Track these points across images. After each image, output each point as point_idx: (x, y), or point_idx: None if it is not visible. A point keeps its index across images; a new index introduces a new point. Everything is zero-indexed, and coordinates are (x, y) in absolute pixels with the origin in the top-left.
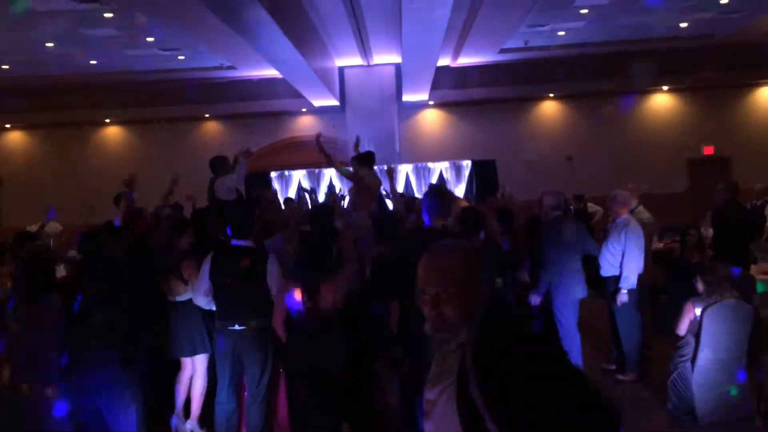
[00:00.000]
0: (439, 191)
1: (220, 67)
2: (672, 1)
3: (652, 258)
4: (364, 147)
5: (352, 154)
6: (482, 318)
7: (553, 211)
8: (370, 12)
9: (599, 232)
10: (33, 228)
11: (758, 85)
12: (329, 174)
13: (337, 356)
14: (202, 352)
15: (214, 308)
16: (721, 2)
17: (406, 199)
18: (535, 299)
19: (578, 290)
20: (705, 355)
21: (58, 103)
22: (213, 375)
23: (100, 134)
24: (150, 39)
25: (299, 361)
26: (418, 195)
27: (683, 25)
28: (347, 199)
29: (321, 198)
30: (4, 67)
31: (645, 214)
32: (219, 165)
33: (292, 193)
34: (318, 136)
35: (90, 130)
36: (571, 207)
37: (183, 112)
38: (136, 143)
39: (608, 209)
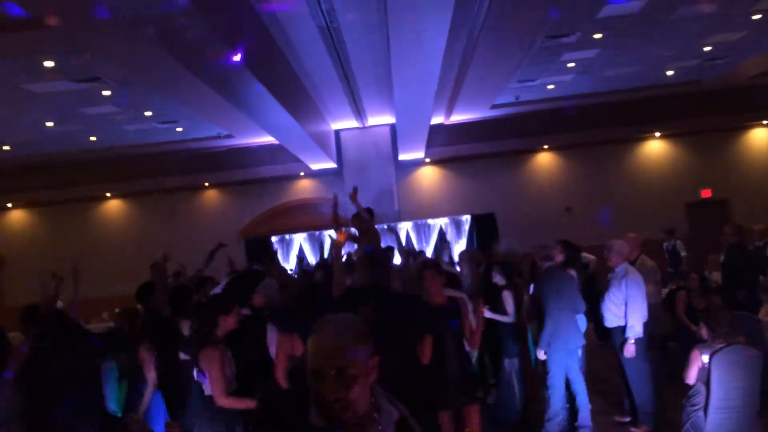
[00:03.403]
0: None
1: (218, 137)
2: (655, 51)
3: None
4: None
5: (352, 210)
6: None
7: (545, 263)
8: (362, 76)
9: (601, 281)
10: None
11: (749, 126)
12: (330, 235)
13: None
14: None
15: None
16: (704, 50)
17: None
18: (541, 354)
19: (574, 339)
20: (716, 404)
21: (59, 181)
22: None
23: (101, 208)
24: (148, 113)
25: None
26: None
27: (669, 73)
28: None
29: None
30: (5, 147)
31: (648, 263)
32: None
33: (293, 256)
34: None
35: (91, 205)
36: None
37: (182, 182)
38: (137, 215)
39: (606, 259)
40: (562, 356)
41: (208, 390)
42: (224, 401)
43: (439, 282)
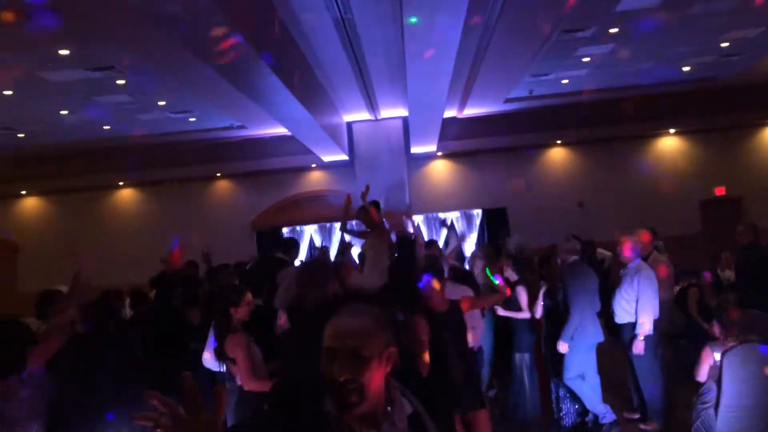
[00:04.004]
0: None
1: (231, 127)
2: (672, 47)
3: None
4: (373, 198)
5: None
6: None
7: (571, 256)
8: (375, 68)
9: (615, 277)
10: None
11: (765, 124)
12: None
13: None
14: None
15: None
16: (721, 46)
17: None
18: (563, 347)
19: (594, 335)
20: (727, 402)
21: (73, 169)
22: None
23: (114, 197)
24: (161, 103)
25: None
26: None
27: (685, 69)
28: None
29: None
30: (19, 135)
31: (662, 259)
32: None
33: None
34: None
35: (104, 194)
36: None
37: (195, 172)
38: (149, 204)
39: (618, 256)
40: (584, 351)
41: (239, 380)
42: (252, 384)
43: (440, 289)
